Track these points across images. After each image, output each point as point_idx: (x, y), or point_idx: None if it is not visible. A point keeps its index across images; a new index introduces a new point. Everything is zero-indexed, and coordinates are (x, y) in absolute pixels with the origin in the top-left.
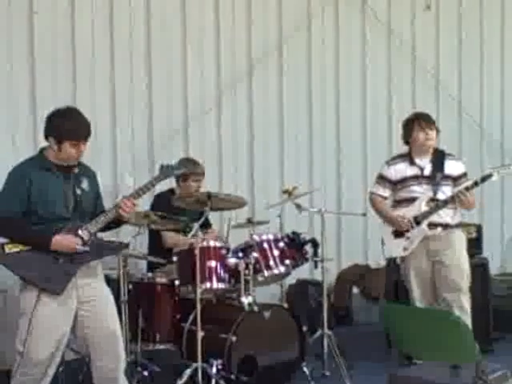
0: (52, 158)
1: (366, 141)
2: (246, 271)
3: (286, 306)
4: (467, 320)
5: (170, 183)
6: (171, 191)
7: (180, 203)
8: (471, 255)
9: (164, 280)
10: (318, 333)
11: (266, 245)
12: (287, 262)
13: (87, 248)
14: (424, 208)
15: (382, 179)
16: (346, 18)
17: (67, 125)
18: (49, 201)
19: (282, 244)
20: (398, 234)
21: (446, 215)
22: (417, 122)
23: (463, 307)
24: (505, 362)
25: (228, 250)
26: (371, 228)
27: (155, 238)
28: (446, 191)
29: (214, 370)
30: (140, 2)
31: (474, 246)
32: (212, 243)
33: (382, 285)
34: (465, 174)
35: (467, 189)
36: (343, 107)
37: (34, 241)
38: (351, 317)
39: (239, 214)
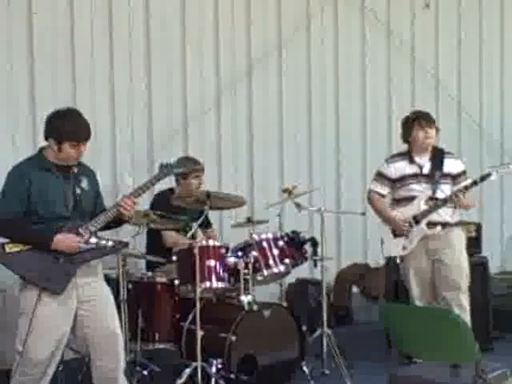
0: (51, 157)
1: (365, 140)
2: (246, 270)
3: (285, 305)
4: (466, 319)
5: (170, 182)
6: (171, 190)
7: (179, 202)
8: (471, 254)
9: (164, 279)
10: (318, 332)
11: (265, 244)
12: (287, 261)
13: (87, 247)
14: (423, 207)
15: (380, 177)
16: (345, 18)
17: (67, 126)
18: (49, 200)
19: (281, 243)
20: (398, 233)
21: (445, 214)
22: (417, 121)
23: (462, 306)
24: (504, 360)
25: (227, 249)
26: (371, 227)
27: (154, 237)
28: (445, 190)
29: (214, 369)
30: (139, 2)
31: (474, 244)
32: (211, 242)
33: (382, 284)
34: (464, 172)
35: (466, 188)
36: (343, 107)
37: (34, 240)
38: (351, 316)
39: (239, 214)
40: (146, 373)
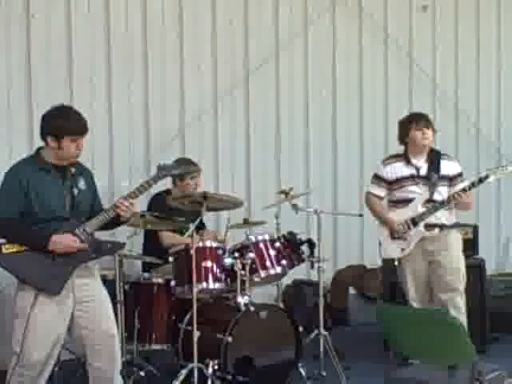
0: (49, 158)
1: (362, 142)
2: (243, 271)
3: (282, 306)
4: (463, 320)
5: (165, 184)
6: (168, 191)
7: (176, 204)
8: (467, 256)
9: (160, 280)
10: (315, 333)
11: (262, 245)
12: (283, 262)
13: (84, 247)
14: (420, 209)
15: (377, 179)
16: (342, 22)
17: (65, 121)
18: (45, 201)
19: (278, 244)
20: (395, 235)
21: (442, 216)
22: (414, 122)
23: (459, 308)
24: (501, 362)
25: (224, 250)
26: (367, 228)
27: (151, 238)
28: (442, 192)
29: (210, 370)
30: (137, 7)
31: (470, 246)
32: (208, 243)
33: (379, 285)
34: (460, 174)
35: (464, 190)
36: (340, 110)
37: (31, 241)
38: (348, 317)
39: (236, 215)
40: (142, 374)
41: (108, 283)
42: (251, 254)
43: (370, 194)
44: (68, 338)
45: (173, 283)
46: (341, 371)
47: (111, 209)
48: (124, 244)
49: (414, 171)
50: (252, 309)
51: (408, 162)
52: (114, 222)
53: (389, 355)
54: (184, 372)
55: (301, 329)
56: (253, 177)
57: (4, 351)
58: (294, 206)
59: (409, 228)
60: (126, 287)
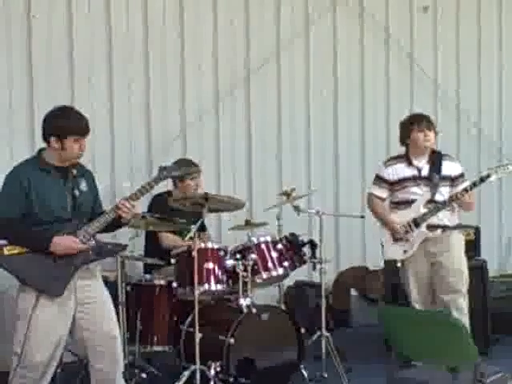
0: (51, 159)
1: (364, 143)
2: (244, 273)
3: (284, 308)
4: (466, 322)
5: (169, 185)
6: (169, 193)
7: (177, 205)
8: (469, 257)
9: (162, 282)
10: (317, 335)
11: (264, 246)
12: (285, 263)
13: (86, 249)
14: (422, 210)
15: (379, 180)
16: (344, 23)
17: (68, 121)
18: (47, 202)
19: (280, 246)
20: (397, 236)
21: (443, 217)
22: (416, 123)
23: (461, 309)
24: (503, 364)
25: (226, 251)
26: (369, 230)
27: (152, 239)
28: (444, 192)
29: (212, 372)
30: (138, 7)
31: (472, 247)
32: (210, 245)
33: (381, 287)
34: (462, 175)
35: (466, 190)
36: (342, 111)
37: (32, 242)
38: (350, 319)
39: (237, 216)
40: (144, 375)
41: (110, 285)
42: (253, 256)
43: (371, 196)
44: (70, 339)
45: (175, 285)
46: (343, 373)
47: (112, 210)
48: (126, 245)
49: (415, 172)
50: (254, 310)
51: (410, 163)
52: (115, 224)
53: (391, 357)
54: (186, 374)
55: (303, 330)
56: (254, 177)
57: (6, 352)
58: (296, 208)
59: (411, 229)
60: (128, 289)
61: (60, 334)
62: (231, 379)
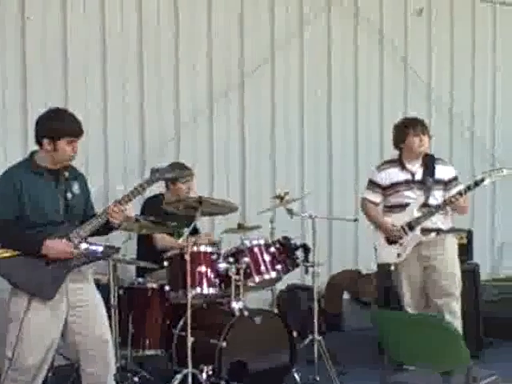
0: (43, 162)
1: (357, 147)
2: (237, 276)
3: (276, 311)
4: (458, 326)
5: (162, 188)
6: (162, 195)
7: (171, 208)
8: (462, 261)
9: (154, 285)
10: (309, 338)
11: (256, 250)
12: (278, 267)
13: (78, 252)
14: (416, 214)
15: (372, 185)
16: (338, 25)
17: (62, 123)
18: (39, 205)
19: (272, 249)
20: (392, 240)
21: (437, 220)
22: (411, 128)
23: (454, 313)
24: (495, 367)
25: (219, 255)
26: (362, 233)
27: (144, 241)
28: (437, 196)
29: (205, 375)
30: (132, 8)
31: (465, 251)
32: (203, 248)
33: (373, 290)
34: (455, 178)
35: (460, 194)
36: (335, 113)
37: (24, 246)
38: (342, 322)
39: (230, 220)
40: (136, 379)
41: (102, 288)
42: (246, 259)
43: (365, 200)
44: (62, 343)
45: (167, 288)
46: (335, 376)
47: (104, 213)
48: (118, 248)
49: (409, 176)
50: (246, 314)
51: (403, 168)
52: (108, 227)
53: (383, 360)
54: (178, 377)
55: (295, 334)
56: (248, 179)
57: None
58: (289, 211)
59: (405, 233)
60: (120, 292)
61: (52, 338)
62: (223, 383)
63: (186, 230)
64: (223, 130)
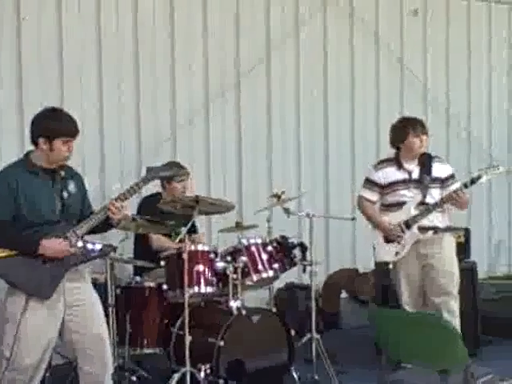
0: (39, 161)
1: (354, 146)
2: (235, 275)
3: (274, 310)
4: (456, 324)
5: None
6: (159, 194)
7: (168, 207)
8: (459, 259)
9: (152, 284)
10: (307, 337)
11: (254, 249)
12: (276, 265)
13: (75, 251)
14: (414, 212)
15: (369, 183)
16: (334, 25)
17: (58, 122)
18: (36, 205)
19: (270, 248)
20: (389, 238)
21: (434, 219)
22: (411, 128)
23: (452, 311)
24: (493, 366)
25: (216, 254)
26: (360, 232)
27: (142, 241)
28: (434, 194)
29: (203, 374)
30: (128, 8)
31: (462, 249)
32: (200, 247)
33: (371, 289)
34: (452, 176)
35: (456, 191)
36: (332, 113)
37: (21, 246)
38: (340, 321)
39: (228, 219)
40: (134, 378)
41: (99, 287)
42: (243, 258)
43: (362, 199)
44: (59, 342)
45: (165, 287)
46: (333, 375)
47: (101, 211)
48: (115, 247)
49: (406, 176)
50: (244, 313)
51: (400, 167)
52: (104, 226)
53: (381, 359)
54: (176, 376)
55: (293, 332)
56: (244, 179)
57: None
58: (286, 210)
59: (402, 231)
60: (118, 291)
61: (49, 337)
62: (221, 381)
63: (183, 230)
64: (219, 130)
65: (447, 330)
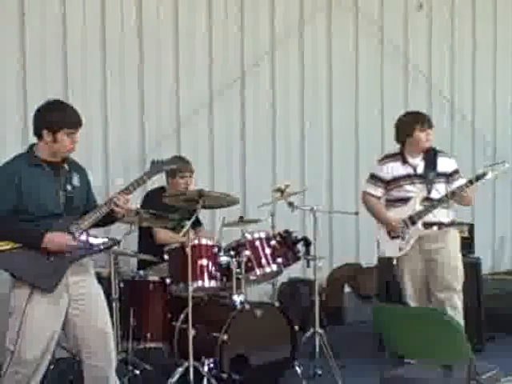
0: (42, 154)
1: (358, 140)
2: (238, 270)
3: (277, 304)
4: (460, 319)
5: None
6: (162, 188)
7: (171, 201)
8: (463, 255)
9: (156, 278)
10: (310, 332)
11: (257, 243)
12: (279, 260)
13: (78, 245)
14: (418, 207)
15: (374, 178)
16: (338, 22)
17: (62, 114)
18: (39, 198)
19: (273, 242)
20: (393, 234)
21: (439, 214)
22: (418, 123)
23: (456, 306)
24: (497, 362)
25: (220, 248)
26: (363, 227)
27: (146, 235)
28: (439, 189)
29: (206, 368)
30: (132, 4)
31: (466, 245)
32: (204, 241)
33: (375, 284)
34: (457, 171)
35: (462, 188)
36: (336, 109)
37: (24, 239)
38: (343, 316)
39: (231, 213)
40: (137, 372)
41: (103, 281)
42: (247, 252)
43: (366, 194)
44: (63, 335)
45: (168, 281)
46: (337, 369)
47: (105, 205)
48: (119, 241)
49: (411, 171)
50: (247, 307)
51: (405, 162)
52: (108, 219)
53: (384, 354)
54: (179, 370)
55: (296, 327)
56: (248, 174)
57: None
58: (290, 204)
59: (407, 227)
60: (121, 285)
61: (53, 331)
62: (225, 376)
63: (188, 223)
64: (223, 125)
65: (451, 325)
